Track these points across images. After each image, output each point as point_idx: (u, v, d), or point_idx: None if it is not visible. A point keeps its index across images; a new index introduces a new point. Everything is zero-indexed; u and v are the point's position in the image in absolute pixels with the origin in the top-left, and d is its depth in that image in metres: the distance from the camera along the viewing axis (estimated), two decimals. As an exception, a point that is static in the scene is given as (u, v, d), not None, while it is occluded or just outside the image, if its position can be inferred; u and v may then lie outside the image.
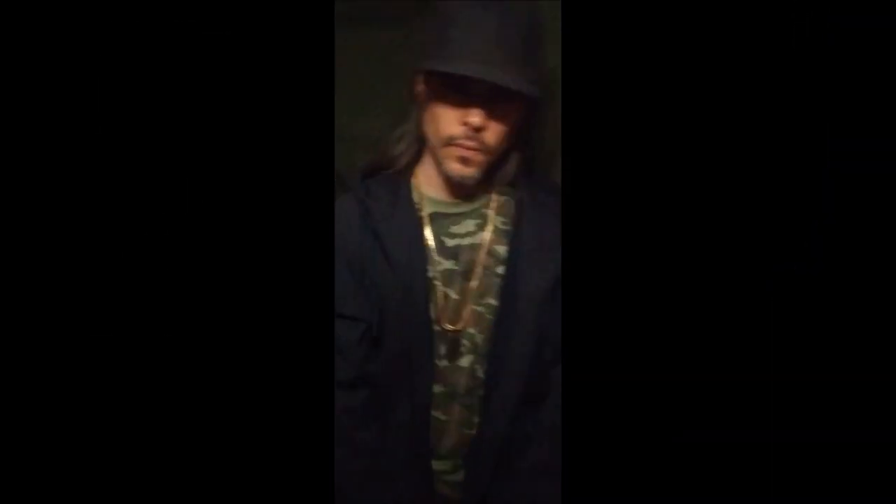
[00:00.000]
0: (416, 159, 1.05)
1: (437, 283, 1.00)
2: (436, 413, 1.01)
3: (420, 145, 1.04)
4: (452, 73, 0.90)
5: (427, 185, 1.04)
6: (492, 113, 0.95)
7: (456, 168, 0.97)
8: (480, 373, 1.01)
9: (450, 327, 1.00)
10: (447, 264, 1.01)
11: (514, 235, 1.02)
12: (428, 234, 1.02)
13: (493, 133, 0.96)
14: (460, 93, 0.94)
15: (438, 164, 1.00)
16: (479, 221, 1.03)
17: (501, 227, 1.03)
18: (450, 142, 0.96)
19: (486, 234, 1.02)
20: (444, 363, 1.01)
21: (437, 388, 1.01)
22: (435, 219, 1.03)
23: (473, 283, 1.01)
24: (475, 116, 0.93)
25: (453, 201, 1.04)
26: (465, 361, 1.01)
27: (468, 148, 0.95)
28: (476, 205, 1.04)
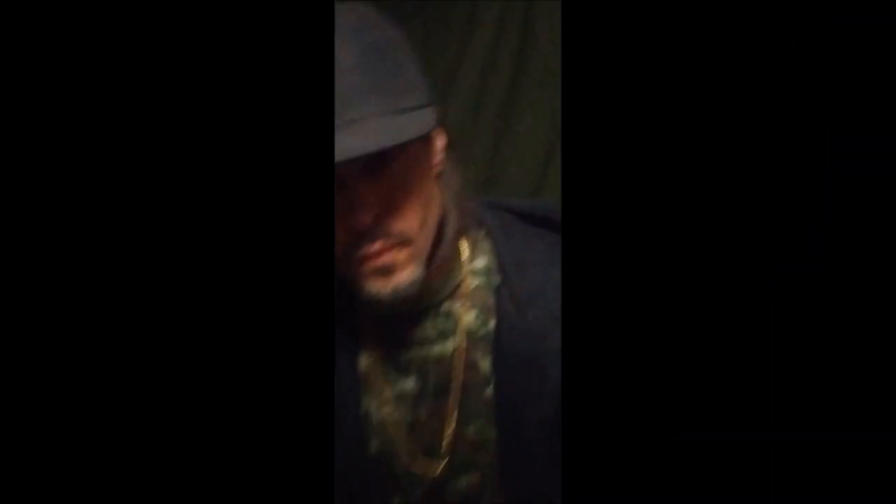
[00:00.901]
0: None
1: (393, 412, 0.74)
2: None
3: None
4: None
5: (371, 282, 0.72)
6: (382, 195, 0.67)
7: (381, 286, 0.69)
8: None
9: (426, 475, 0.74)
10: (406, 385, 0.75)
11: (496, 338, 0.74)
12: (369, 353, 0.75)
13: (402, 217, 0.68)
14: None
15: (357, 291, 0.71)
16: (442, 323, 0.75)
17: (476, 327, 0.74)
18: (358, 263, 0.69)
19: (457, 342, 0.74)
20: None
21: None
22: (380, 328, 0.76)
23: (446, 410, 0.74)
24: (362, 215, 0.66)
25: (402, 304, 0.73)
26: (463, 482, 0.76)
27: (381, 256, 0.68)
28: (435, 298, 0.75)
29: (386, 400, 0.75)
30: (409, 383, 0.75)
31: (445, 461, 0.74)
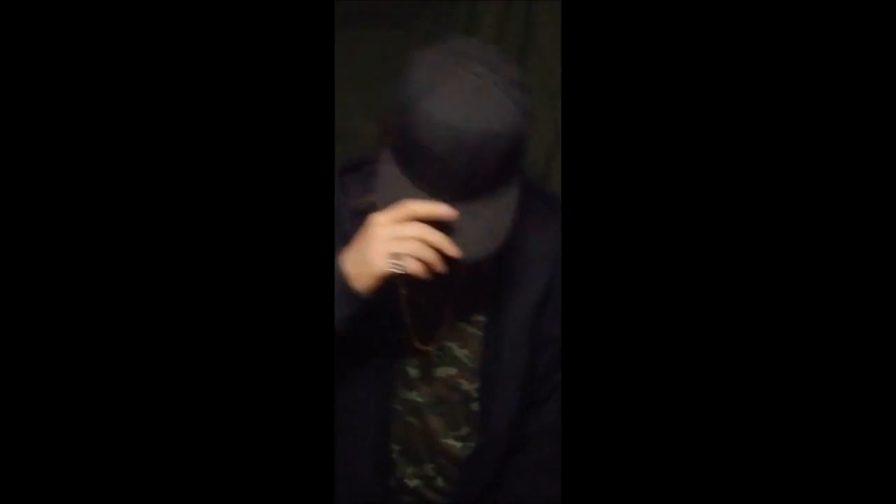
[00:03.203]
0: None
1: (407, 300, 0.96)
2: (410, 419, 1.00)
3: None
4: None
5: None
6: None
7: None
8: (466, 385, 0.99)
9: (421, 346, 0.96)
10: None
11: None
12: None
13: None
14: None
15: None
16: None
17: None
18: None
19: None
20: (415, 373, 0.99)
21: (410, 396, 0.99)
22: None
23: (446, 301, 0.96)
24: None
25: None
26: (441, 373, 0.99)
27: None
28: None
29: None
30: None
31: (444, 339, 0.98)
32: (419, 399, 0.99)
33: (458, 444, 1.00)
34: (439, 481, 1.03)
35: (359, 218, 0.90)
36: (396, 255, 0.81)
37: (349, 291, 0.84)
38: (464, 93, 0.77)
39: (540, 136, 1.33)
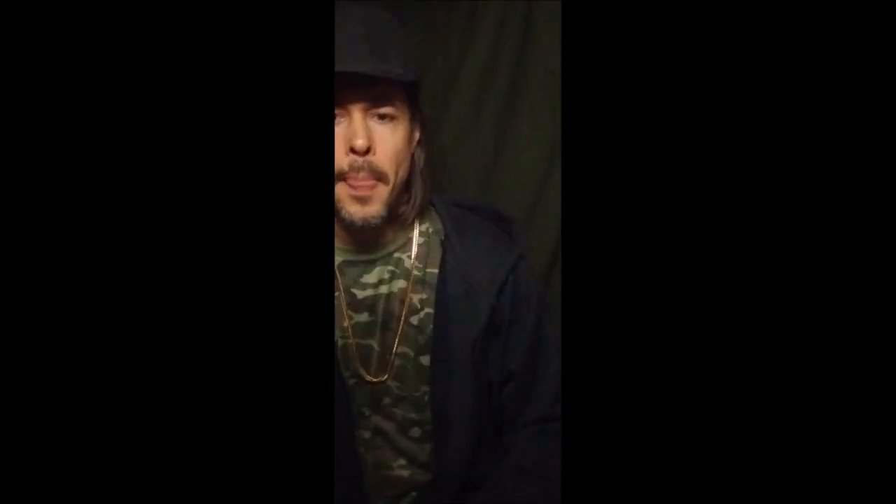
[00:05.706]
0: None
1: (350, 338, 0.97)
2: (364, 453, 1.01)
3: None
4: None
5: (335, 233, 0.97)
6: (375, 131, 0.89)
7: (355, 210, 0.91)
8: (413, 413, 1.00)
9: (371, 378, 0.98)
10: (361, 318, 0.97)
11: (438, 281, 0.97)
12: (337, 287, 0.97)
13: (383, 154, 0.90)
14: (337, 107, 0.88)
15: (338, 212, 0.93)
16: (392, 268, 0.98)
17: (417, 273, 0.98)
18: (341, 178, 0.90)
19: (401, 283, 0.97)
20: (368, 411, 1.00)
21: (364, 434, 1.01)
22: (343, 269, 0.98)
23: (391, 336, 0.97)
24: (358, 138, 0.87)
25: (362, 247, 0.98)
26: (393, 410, 1.00)
27: (361, 183, 0.89)
28: (389, 249, 0.99)
29: (345, 330, 0.97)
30: (364, 317, 0.97)
31: (388, 375, 0.98)
32: (366, 435, 1.00)
33: (406, 473, 1.01)
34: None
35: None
36: None
37: None
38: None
39: (539, 136, 1.33)
